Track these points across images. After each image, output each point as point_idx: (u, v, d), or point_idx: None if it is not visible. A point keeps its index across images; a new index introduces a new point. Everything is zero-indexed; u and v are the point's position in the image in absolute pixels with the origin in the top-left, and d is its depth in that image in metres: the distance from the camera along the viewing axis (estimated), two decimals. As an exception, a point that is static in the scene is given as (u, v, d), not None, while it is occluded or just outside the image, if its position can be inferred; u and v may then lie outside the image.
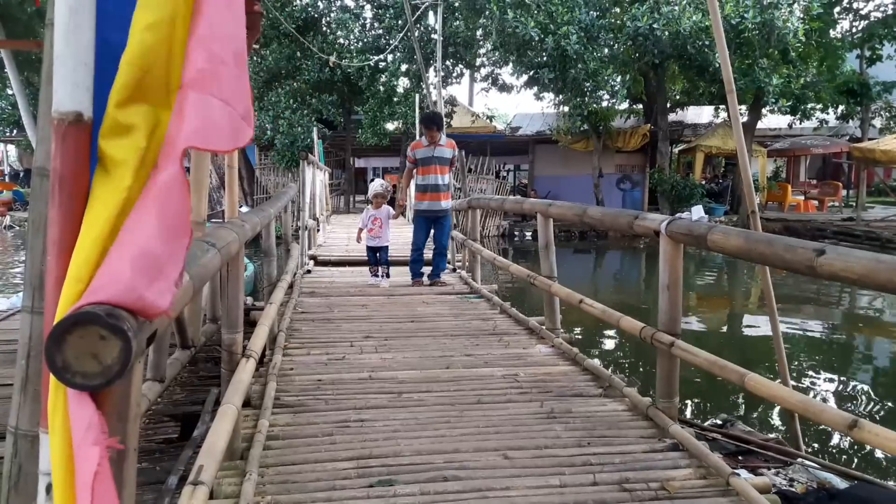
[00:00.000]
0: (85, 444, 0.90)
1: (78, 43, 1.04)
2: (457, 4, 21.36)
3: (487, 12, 18.87)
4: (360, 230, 7.41)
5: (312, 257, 8.87)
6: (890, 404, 7.04)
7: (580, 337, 8.71)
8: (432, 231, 7.33)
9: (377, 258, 7.40)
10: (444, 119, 14.34)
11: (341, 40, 22.36)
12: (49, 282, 1.04)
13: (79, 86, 1.04)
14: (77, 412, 0.92)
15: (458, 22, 21.39)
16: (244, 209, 10.16)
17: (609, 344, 9.27)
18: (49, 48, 1.57)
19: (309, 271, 8.12)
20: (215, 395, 4.00)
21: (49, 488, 1.03)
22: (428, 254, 7.53)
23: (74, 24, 1.04)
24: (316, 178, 10.90)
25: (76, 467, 0.92)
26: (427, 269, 7.42)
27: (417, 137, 15.60)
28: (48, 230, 1.05)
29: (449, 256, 9.08)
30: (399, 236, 10.36)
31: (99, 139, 1.03)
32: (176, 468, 3.08)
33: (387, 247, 7.38)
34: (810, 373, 8.01)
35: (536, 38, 18.03)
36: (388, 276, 7.29)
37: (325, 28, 22.65)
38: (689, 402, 6.43)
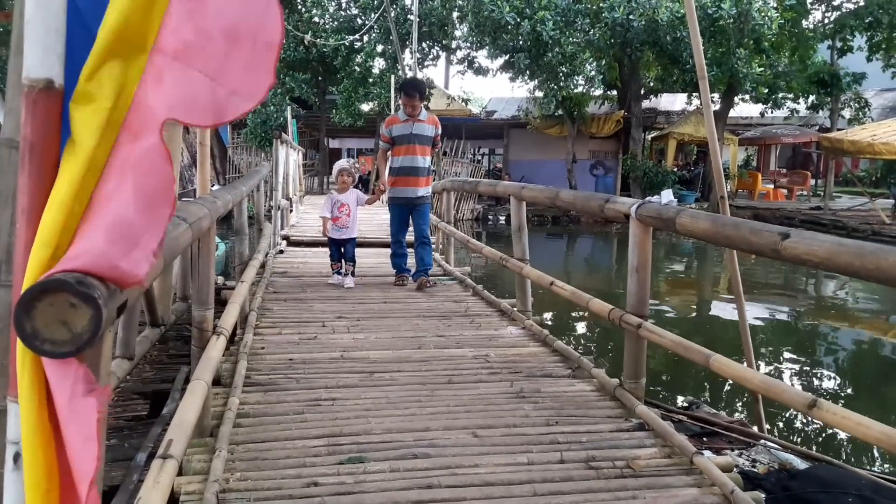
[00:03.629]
0: (76, 397, 0.91)
1: (49, 7, 1.02)
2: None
3: (464, -5, 18.78)
4: (325, 220, 6.17)
5: (285, 237, 8.82)
6: (850, 389, 7.24)
7: (551, 322, 8.80)
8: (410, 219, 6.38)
9: (341, 252, 6.23)
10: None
11: (316, 19, 22.12)
12: (18, 249, 1.03)
13: (49, 51, 1.02)
14: (58, 372, 0.92)
15: (434, 1, 21.26)
16: (216, 188, 10.05)
17: (579, 327, 9.38)
18: (19, 17, 1.54)
19: (282, 251, 8.08)
20: (185, 374, 3.98)
21: (17, 457, 1.03)
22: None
23: (45, -11, 1.02)
24: (289, 158, 10.81)
25: (69, 426, 0.92)
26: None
27: (393, 112, 15.21)
28: (18, 198, 1.04)
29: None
30: (370, 218, 10.33)
31: (70, 105, 1.02)
32: (145, 445, 3.08)
33: (354, 239, 6.27)
34: (777, 357, 8.19)
35: (512, 23, 17.97)
36: (353, 274, 6.22)
37: (300, 6, 22.37)
38: (656, 384, 6.54)
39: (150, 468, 1.95)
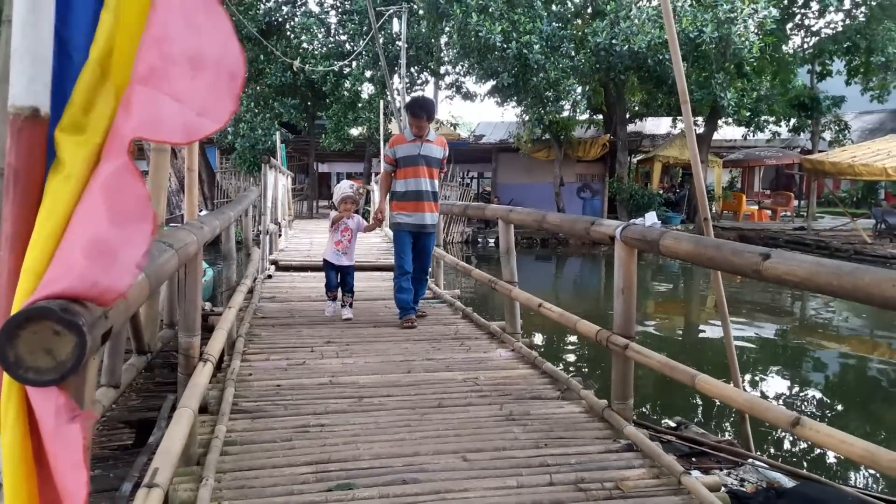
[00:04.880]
0: (61, 425, 0.91)
1: (36, 38, 1.04)
2: (421, 13, 21.45)
3: (451, 18, 18.94)
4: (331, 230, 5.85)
5: (274, 262, 8.80)
6: (836, 407, 7.27)
7: (541, 344, 8.80)
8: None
9: (339, 281, 5.80)
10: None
11: (305, 45, 22.30)
12: (2, 277, 1.03)
13: (36, 80, 1.04)
14: (41, 401, 0.92)
15: (421, 25, 21.49)
16: (203, 213, 10.05)
17: (568, 348, 9.38)
18: (3, 45, 1.55)
19: (270, 276, 8.05)
20: (171, 402, 3.95)
21: (-2, 485, 1.02)
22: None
23: (33, 19, 1.04)
24: (278, 183, 10.82)
25: (57, 455, 0.92)
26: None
27: (381, 144, 15.19)
28: (2, 225, 1.04)
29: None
30: (359, 243, 10.33)
31: (56, 133, 1.03)
32: (130, 475, 3.04)
33: (353, 268, 5.88)
34: (764, 376, 8.22)
35: (499, 43, 18.15)
36: (351, 306, 5.77)
37: (289, 32, 22.55)
38: (645, 405, 6.54)
39: (135, 498, 1.93)
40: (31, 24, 1.05)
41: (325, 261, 5.83)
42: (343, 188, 5.90)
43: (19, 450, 0.94)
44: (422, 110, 5.39)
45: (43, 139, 1.05)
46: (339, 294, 5.82)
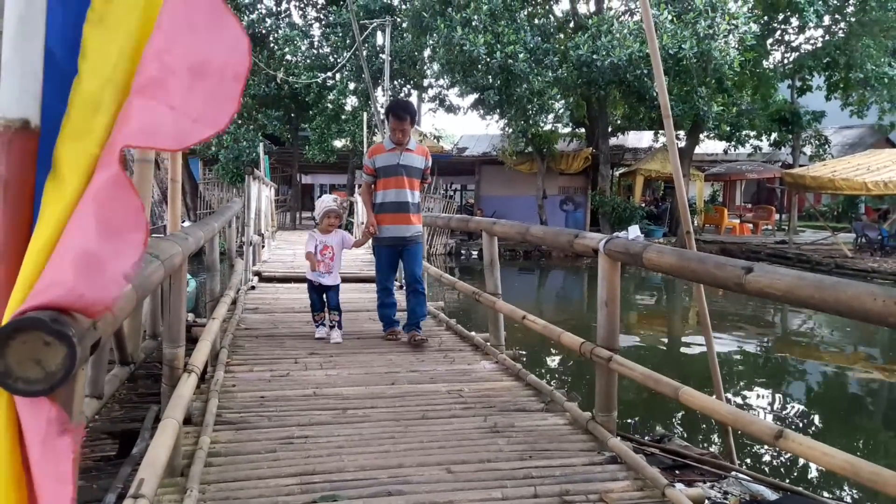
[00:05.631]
0: (51, 437, 0.91)
1: (26, 51, 1.05)
2: (404, 25, 21.56)
3: (435, 30, 19.04)
4: (311, 256, 5.44)
5: (257, 273, 8.77)
6: (818, 420, 7.34)
7: (525, 354, 8.82)
8: (399, 262, 5.66)
9: (323, 301, 5.49)
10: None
11: (289, 56, 22.30)
12: (-9, 288, 1.03)
13: (27, 93, 1.04)
14: (30, 412, 0.92)
15: (405, 39, 21.58)
16: (186, 224, 10.00)
17: (552, 361, 9.40)
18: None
19: (253, 287, 8.02)
20: (155, 413, 3.91)
21: (-14, 497, 1.02)
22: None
23: (23, 31, 1.05)
24: (261, 194, 10.78)
25: (43, 467, 0.92)
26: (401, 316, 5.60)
27: (365, 151, 15.15)
28: (-8, 236, 1.04)
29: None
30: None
31: (56, 145, 1.04)
32: (114, 486, 3.01)
33: (338, 286, 5.54)
34: (747, 388, 8.28)
35: (484, 55, 18.26)
36: (339, 326, 5.44)
37: (272, 44, 22.56)
38: (628, 417, 6.57)
39: (118, 510, 1.92)
40: (22, 38, 1.05)
41: (308, 281, 5.52)
42: (326, 202, 5.62)
43: (9, 461, 0.94)
44: (405, 112, 5.19)
45: (34, 151, 1.05)
46: (326, 314, 5.51)
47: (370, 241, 5.65)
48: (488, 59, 18.29)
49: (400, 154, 5.20)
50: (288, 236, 17.25)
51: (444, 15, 18.74)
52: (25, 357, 0.94)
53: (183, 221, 8.16)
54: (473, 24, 18.45)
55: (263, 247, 10.88)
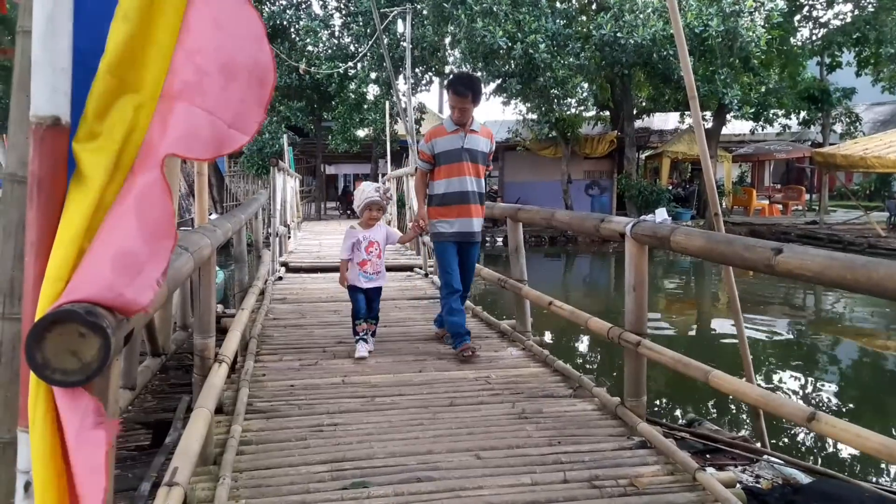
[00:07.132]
0: (85, 429, 0.93)
1: (55, 49, 1.06)
2: (425, 13, 21.46)
3: (456, 21, 18.94)
4: (345, 265, 4.67)
5: (284, 264, 8.84)
6: (852, 402, 7.23)
7: (551, 342, 8.80)
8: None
9: (369, 308, 4.67)
10: (415, 127, 13.40)
11: (310, 47, 22.33)
12: (27, 282, 1.06)
13: (57, 90, 1.06)
14: (69, 404, 0.94)
15: (426, 27, 21.50)
16: (213, 217, 10.11)
17: (579, 346, 9.37)
18: (20, 54, 1.58)
19: (280, 278, 8.09)
20: (186, 403, 3.98)
21: (28, 486, 1.05)
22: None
23: (52, 30, 1.06)
24: (287, 185, 10.87)
25: (77, 456, 0.94)
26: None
27: (388, 146, 15.06)
28: (27, 232, 1.07)
29: (420, 261, 8.95)
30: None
31: (73, 143, 1.06)
32: (148, 475, 3.07)
33: (381, 288, 4.82)
34: (778, 371, 8.18)
35: (505, 47, 18.14)
36: (374, 334, 4.76)
37: (293, 35, 22.61)
38: (658, 402, 6.54)
39: (155, 497, 1.96)
40: (50, 36, 1.07)
41: (351, 286, 4.67)
42: (367, 192, 4.68)
43: (49, 449, 0.96)
44: (466, 88, 4.44)
45: (65, 147, 1.07)
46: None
47: (429, 237, 4.95)
48: (510, 50, 18.14)
49: (464, 136, 4.54)
50: (313, 227, 17.38)
51: (464, 3, 18.61)
52: (62, 349, 0.97)
53: (210, 214, 8.25)
54: (494, 12, 18.29)
55: (289, 238, 10.97)
